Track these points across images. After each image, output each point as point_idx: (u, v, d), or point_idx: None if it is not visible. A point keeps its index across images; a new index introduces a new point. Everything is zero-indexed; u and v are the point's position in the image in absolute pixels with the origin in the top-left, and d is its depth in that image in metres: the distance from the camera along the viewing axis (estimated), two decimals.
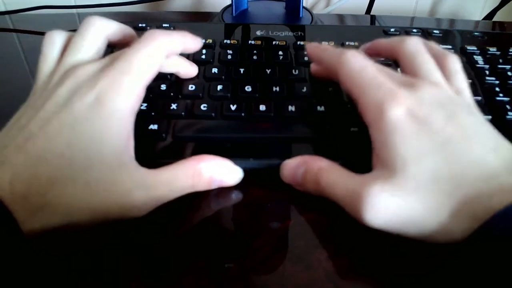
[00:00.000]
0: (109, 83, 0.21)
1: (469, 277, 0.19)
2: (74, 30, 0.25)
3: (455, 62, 0.24)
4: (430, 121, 0.20)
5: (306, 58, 0.33)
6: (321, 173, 0.23)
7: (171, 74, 0.30)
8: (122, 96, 0.21)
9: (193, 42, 0.27)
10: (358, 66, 0.23)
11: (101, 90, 0.21)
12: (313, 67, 0.30)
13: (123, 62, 0.22)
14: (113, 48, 0.29)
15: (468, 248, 0.19)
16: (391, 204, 0.20)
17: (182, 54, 0.29)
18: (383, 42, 0.27)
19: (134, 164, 0.22)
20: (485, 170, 0.19)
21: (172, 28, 0.36)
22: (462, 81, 0.24)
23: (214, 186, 0.24)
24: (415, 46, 0.24)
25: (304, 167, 0.24)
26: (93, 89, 0.21)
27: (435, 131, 0.20)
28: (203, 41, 0.27)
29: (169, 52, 0.24)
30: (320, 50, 0.27)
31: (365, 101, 0.22)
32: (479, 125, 0.21)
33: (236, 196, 0.25)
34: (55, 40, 0.24)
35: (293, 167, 0.24)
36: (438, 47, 0.25)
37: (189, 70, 0.30)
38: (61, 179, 0.20)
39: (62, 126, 0.20)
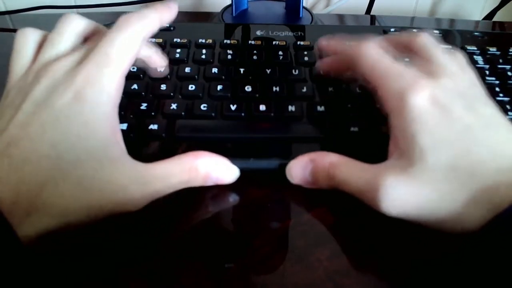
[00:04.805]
0: (86, 76, 0.21)
1: (481, 268, 0.18)
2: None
3: (463, 58, 0.25)
4: (451, 109, 0.21)
5: (306, 58, 0.33)
6: (334, 168, 0.23)
7: (142, 67, 0.29)
8: (101, 88, 0.21)
9: (169, 13, 0.25)
10: (378, 56, 0.24)
11: (79, 84, 0.20)
12: (322, 62, 0.30)
13: (99, 54, 0.21)
14: None
15: (482, 236, 0.19)
16: (407, 195, 0.20)
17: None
18: (343, 46, 0.27)
19: (127, 158, 0.21)
20: (504, 160, 0.19)
21: (172, 28, 0.36)
22: (474, 75, 0.24)
23: (209, 183, 0.23)
24: (428, 39, 0.25)
25: (312, 165, 0.23)
26: (71, 85, 0.20)
27: (455, 119, 0.20)
28: (177, 8, 0.26)
29: (146, 35, 0.23)
30: (334, 42, 0.28)
31: (386, 89, 0.23)
32: (498, 117, 0.21)
33: (236, 196, 0.25)
34: (28, 37, 0.24)
35: (300, 167, 0.24)
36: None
37: (160, 59, 0.28)
38: (50, 181, 0.19)
39: (44, 126, 0.20)
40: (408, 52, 0.25)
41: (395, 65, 0.23)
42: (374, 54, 0.24)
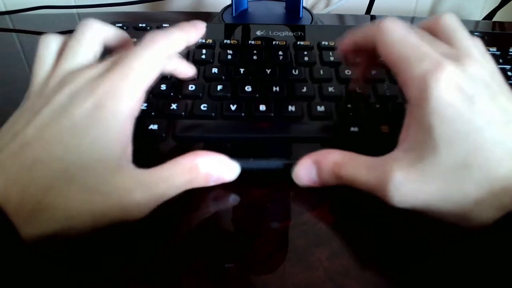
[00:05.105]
0: (108, 88, 0.21)
1: (484, 267, 0.18)
2: (71, 31, 0.24)
3: (482, 44, 0.24)
4: (476, 100, 0.19)
5: (306, 58, 0.33)
6: (339, 167, 0.22)
7: (171, 75, 0.30)
8: (122, 101, 0.21)
9: (196, 33, 0.26)
10: (399, 34, 0.22)
11: (101, 95, 0.21)
12: (355, 74, 0.29)
13: (123, 67, 0.22)
14: (109, 52, 0.29)
15: (489, 236, 0.18)
16: (416, 190, 0.20)
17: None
18: (360, 30, 0.25)
19: (131, 166, 0.22)
20: None
21: None
22: (493, 62, 0.23)
23: (212, 182, 0.23)
24: (454, 21, 0.24)
25: (316, 167, 0.23)
26: (92, 94, 0.21)
27: (477, 112, 0.19)
28: (205, 27, 0.26)
29: (170, 54, 0.24)
30: (351, 32, 0.26)
31: (408, 73, 0.21)
32: None
33: (236, 196, 0.25)
34: (50, 43, 0.24)
35: (305, 170, 0.24)
36: None
37: (187, 70, 0.29)
38: (57, 183, 0.19)
39: (62, 132, 0.20)
40: (432, 35, 0.24)
41: (420, 44, 0.21)
42: (398, 30, 0.22)
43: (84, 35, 0.24)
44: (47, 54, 0.24)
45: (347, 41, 0.27)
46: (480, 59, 0.22)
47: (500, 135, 0.19)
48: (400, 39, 0.22)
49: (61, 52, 0.24)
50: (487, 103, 0.20)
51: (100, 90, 0.21)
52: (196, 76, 0.30)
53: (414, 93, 0.21)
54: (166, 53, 0.23)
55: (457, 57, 0.21)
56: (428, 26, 0.24)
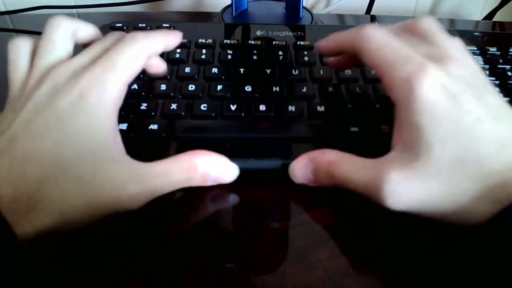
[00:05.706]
0: (92, 79, 0.21)
1: (483, 266, 0.18)
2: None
3: (462, 43, 0.24)
4: (462, 99, 0.20)
5: (306, 58, 0.33)
6: (333, 166, 0.22)
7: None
8: (106, 92, 0.21)
9: (173, 40, 0.26)
10: (380, 40, 0.22)
11: (84, 86, 0.21)
12: (330, 59, 0.29)
13: (108, 61, 0.22)
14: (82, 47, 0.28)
15: (487, 232, 0.18)
16: (411, 190, 0.20)
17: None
18: (340, 36, 0.26)
19: (126, 158, 0.22)
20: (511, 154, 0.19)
21: (172, 28, 0.36)
22: (474, 61, 0.23)
23: (209, 182, 0.23)
24: (432, 24, 0.24)
25: (312, 164, 0.23)
26: (76, 86, 0.21)
27: (465, 111, 0.19)
28: (182, 36, 0.27)
29: (151, 53, 0.24)
30: (332, 36, 0.26)
31: (392, 77, 0.21)
32: (505, 107, 0.21)
33: (236, 196, 0.25)
34: (20, 46, 0.24)
35: (302, 167, 0.24)
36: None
37: (159, 65, 0.29)
38: (50, 178, 0.19)
39: (47, 125, 0.20)
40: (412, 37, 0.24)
41: (401, 48, 0.22)
42: (378, 36, 0.23)
43: (55, 33, 0.24)
44: (20, 58, 0.23)
45: (327, 43, 0.27)
46: (461, 59, 0.22)
47: (491, 131, 0.19)
48: (382, 45, 0.22)
49: (34, 54, 0.24)
50: (472, 102, 0.20)
51: (84, 81, 0.21)
52: (167, 74, 0.30)
53: (400, 96, 0.21)
54: (147, 51, 0.24)
55: (439, 58, 0.21)
56: (407, 28, 0.24)
